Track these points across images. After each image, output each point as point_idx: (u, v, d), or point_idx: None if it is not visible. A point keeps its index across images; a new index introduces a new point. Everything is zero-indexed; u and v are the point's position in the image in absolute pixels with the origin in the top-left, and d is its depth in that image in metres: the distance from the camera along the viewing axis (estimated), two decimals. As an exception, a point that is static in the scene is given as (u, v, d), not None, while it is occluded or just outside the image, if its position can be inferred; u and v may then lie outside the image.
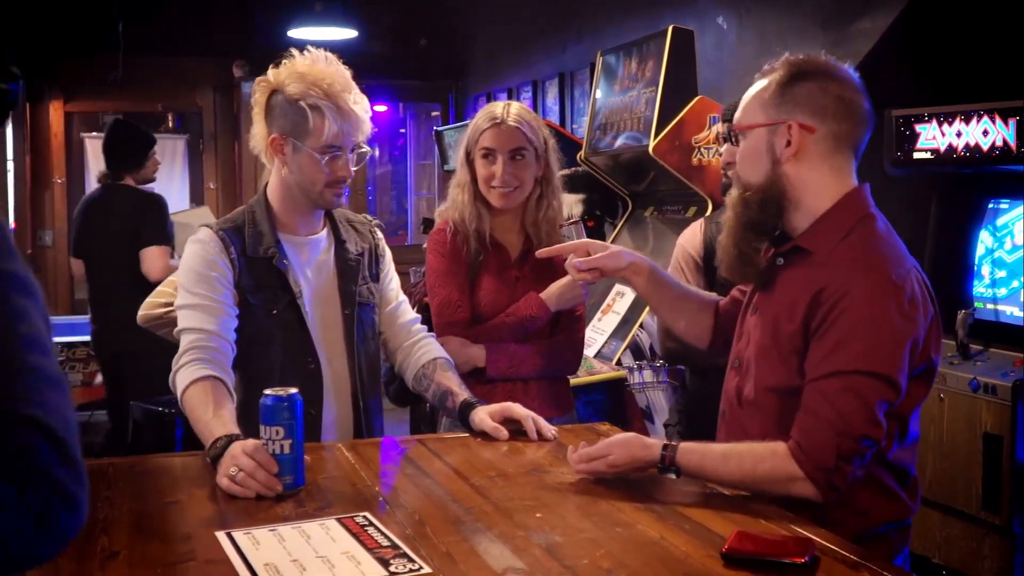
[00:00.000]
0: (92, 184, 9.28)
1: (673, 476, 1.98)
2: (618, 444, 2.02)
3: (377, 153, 11.29)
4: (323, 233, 2.57)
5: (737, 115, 2.10)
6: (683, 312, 2.44)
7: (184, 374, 2.26)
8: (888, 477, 2.00)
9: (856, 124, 2.03)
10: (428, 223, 6.16)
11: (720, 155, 4.39)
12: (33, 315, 1.00)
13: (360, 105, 2.43)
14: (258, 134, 2.47)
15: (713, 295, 2.49)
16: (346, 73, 2.44)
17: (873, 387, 1.86)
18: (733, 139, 2.13)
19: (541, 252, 2.57)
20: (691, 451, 1.97)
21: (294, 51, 2.46)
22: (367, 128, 2.46)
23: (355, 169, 2.47)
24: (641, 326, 4.32)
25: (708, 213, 4.20)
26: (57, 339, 6.48)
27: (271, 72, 2.44)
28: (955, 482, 3.53)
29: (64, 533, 0.98)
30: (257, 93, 2.46)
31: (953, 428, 3.54)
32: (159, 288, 3.40)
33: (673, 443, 1.99)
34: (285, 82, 2.40)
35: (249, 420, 2.14)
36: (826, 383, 1.88)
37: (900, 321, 1.88)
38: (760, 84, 2.07)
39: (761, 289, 2.13)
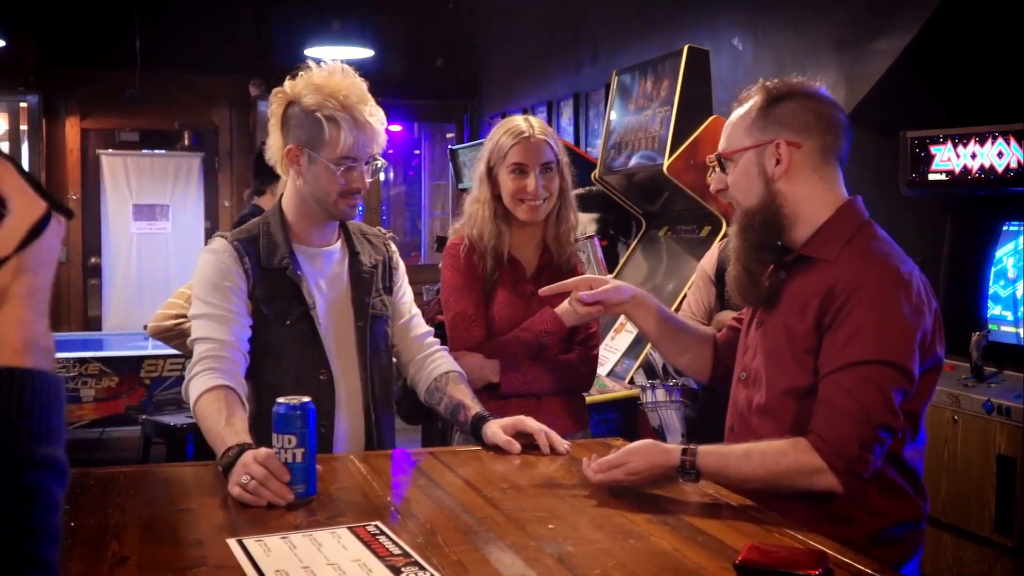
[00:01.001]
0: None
1: (693, 480, 1.99)
2: (637, 451, 2.02)
3: (392, 176, 11.33)
4: (337, 245, 2.58)
5: (722, 144, 2.17)
6: (684, 347, 2.48)
7: (197, 383, 2.26)
8: (900, 477, 2.04)
9: (838, 136, 2.11)
10: (441, 241, 6.17)
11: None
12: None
13: (376, 117, 2.43)
14: (274, 145, 2.48)
15: (710, 329, 2.57)
16: (362, 85, 2.44)
17: (889, 376, 1.92)
18: (722, 167, 2.18)
19: (544, 290, 2.57)
20: (711, 453, 1.99)
21: (311, 63, 2.48)
22: (383, 140, 2.47)
23: (370, 181, 2.48)
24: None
25: (722, 232, 4.20)
26: (69, 354, 6.53)
27: (288, 83, 2.45)
28: (968, 504, 3.51)
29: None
30: (274, 104, 2.47)
31: (967, 450, 3.52)
32: (169, 300, 3.42)
33: (692, 447, 2.00)
34: (302, 93, 2.41)
35: (261, 430, 2.14)
36: (842, 375, 1.93)
37: (910, 313, 1.95)
38: (740, 111, 2.15)
39: (766, 305, 2.16)
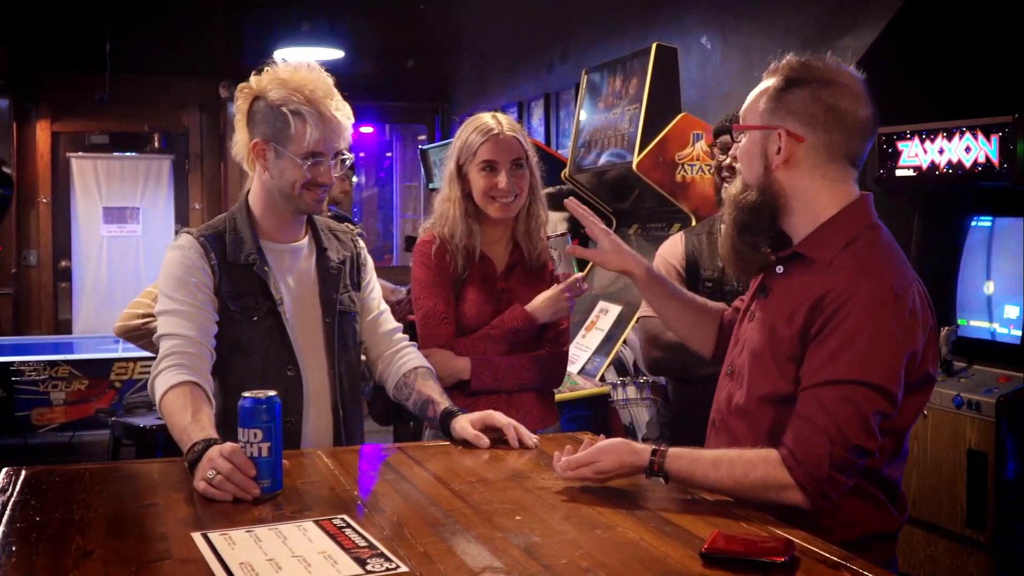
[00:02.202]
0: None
1: (662, 482, 1.96)
2: (606, 450, 1.99)
3: (364, 179, 11.30)
4: (304, 241, 2.56)
5: (742, 110, 2.08)
6: (689, 316, 2.41)
7: (163, 379, 2.24)
8: (877, 489, 1.99)
9: (849, 134, 1.97)
10: (410, 241, 6.15)
11: (704, 172, 4.42)
12: None
13: (342, 112, 2.42)
14: (240, 140, 2.47)
15: (720, 305, 2.45)
16: (328, 80, 2.43)
17: (869, 398, 1.84)
18: (734, 137, 2.13)
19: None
20: (680, 456, 1.95)
21: (276, 59, 2.47)
22: (349, 135, 2.46)
23: (336, 176, 2.46)
24: (625, 343, 4.32)
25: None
26: (40, 357, 6.48)
27: (253, 79, 2.44)
28: (939, 499, 3.52)
29: None
30: (240, 99, 2.46)
31: (937, 445, 3.53)
32: (136, 299, 3.38)
33: (662, 448, 1.96)
34: (267, 88, 2.40)
35: (228, 427, 2.12)
36: (823, 391, 1.86)
37: (899, 333, 1.87)
38: (763, 85, 2.04)
39: (760, 295, 2.11)
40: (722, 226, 2.18)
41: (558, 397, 3.32)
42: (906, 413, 1.94)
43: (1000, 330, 3.64)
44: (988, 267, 3.73)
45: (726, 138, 3.00)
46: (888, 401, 1.86)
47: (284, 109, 2.36)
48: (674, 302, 2.41)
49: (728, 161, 2.96)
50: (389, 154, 11.36)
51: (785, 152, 1.97)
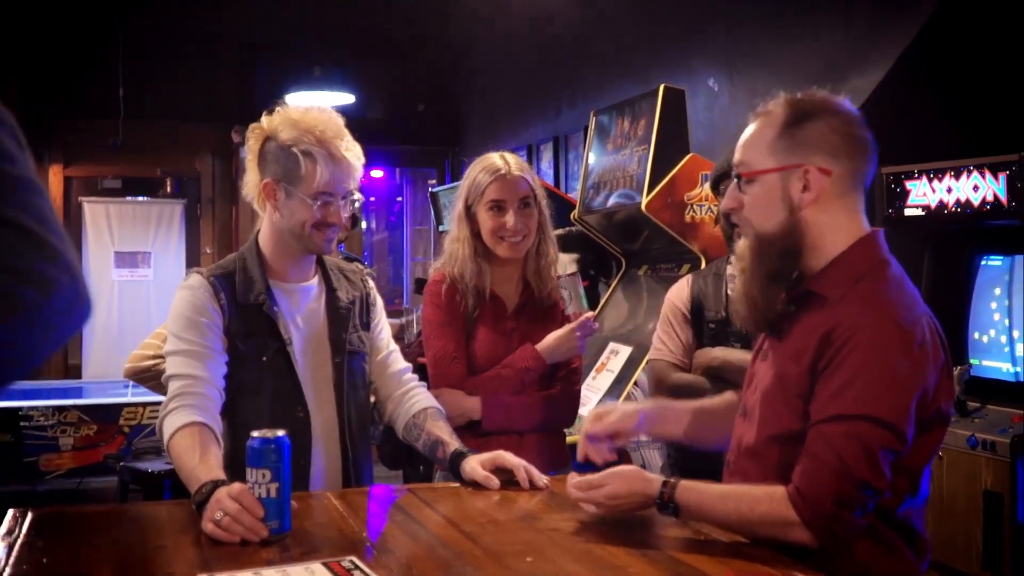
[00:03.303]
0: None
1: (671, 515, 1.94)
2: (618, 475, 1.99)
3: (375, 224, 11.34)
4: (314, 280, 2.56)
5: (739, 158, 2.02)
6: (713, 425, 2.31)
7: (171, 420, 2.23)
8: (892, 533, 1.93)
9: (867, 161, 1.97)
10: (420, 283, 6.16)
11: (712, 212, 4.41)
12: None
13: (352, 152, 2.43)
14: (251, 180, 2.48)
15: (728, 397, 2.35)
16: (339, 120, 2.45)
17: (877, 434, 1.81)
18: (739, 185, 2.03)
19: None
20: (690, 489, 1.93)
21: (287, 100, 2.48)
22: (359, 175, 2.46)
23: (346, 216, 2.47)
24: (635, 384, 4.30)
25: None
26: (49, 402, 6.46)
27: (264, 119, 2.46)
28: (955, 540, 3.48)
29: (49, 315, 1.07)
30: (251, 140, 2.47)
31: (952, 486, 3.50)
32: (146, 340, 3.37)
33: (673, 480, 1.95)
34: (278, 128, 2.41)
35: (237, 468, 2.10)
36: (829, 427, 1.83)
37: (908, 368, 1.83)
38: (760, 124, 1.99)
39: (773, 335, 2.06)
40: (729, 273, 2.12)
41: (569, 440, 3.30)
42: (920, 451, 1.90)
43: (1013, 369, 3.61)
44: (1000, 306, 3.71)
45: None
46: (896, 437, 1.82)
47: (295, 149, 2.37)
48: (694, 420, 2.33)
49: (722, 209, 2.93)
50: (400, 198, 11.40)
51: (815, 189, 1.92)
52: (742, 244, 2.05)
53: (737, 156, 2.03)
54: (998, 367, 3.68)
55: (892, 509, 1.91)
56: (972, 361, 3.74)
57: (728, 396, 2.36)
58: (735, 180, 2.03)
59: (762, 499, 1.87)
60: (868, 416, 1.81)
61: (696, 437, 2.35)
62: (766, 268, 1.99)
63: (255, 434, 1.95)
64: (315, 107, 2.46)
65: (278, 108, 2.47)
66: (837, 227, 1.96)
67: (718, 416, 2.29)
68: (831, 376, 1.85)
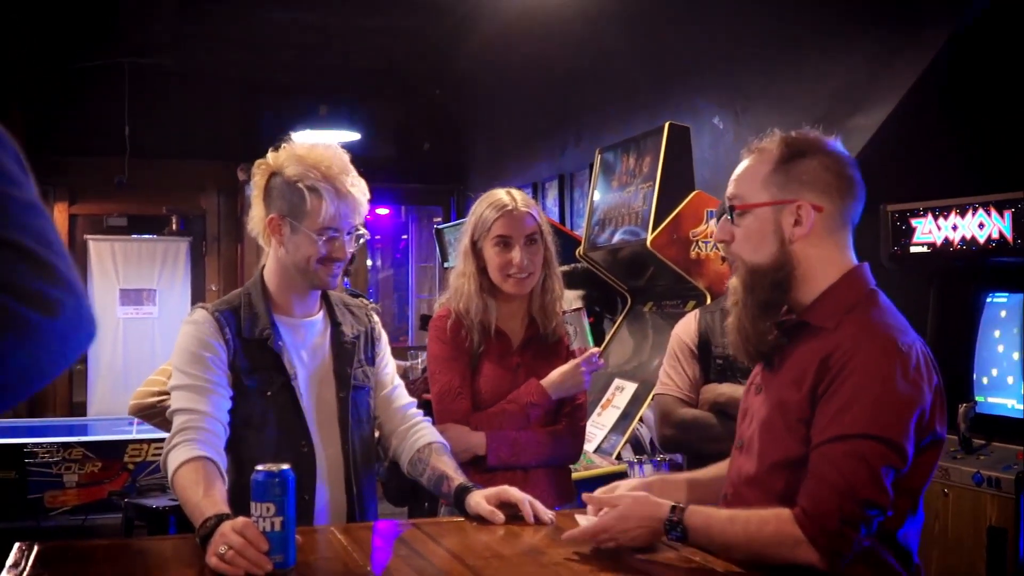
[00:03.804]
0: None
1: (680, 538, 1.95)
2: (629, 497, 2.02)
3: (380, 262, 11.36)
4: (319, 315, 2.57)
5: (733, 191, 2.08)
6: (712, 490, 2.31)
7: (176, 455, 2.23)
8: (890, 555, 1.97)
9: (856, 199, 2.05)
10: (425, 320, 6.15)
11: (718, 248, 4.42)
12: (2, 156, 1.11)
13: (357, 188, 2.44)
14: (256, 215, 2.49)
15: (719, 467, 2.36)
16: (344, 156, 2.46)
17: (878, 452, 1.85)
18: (731, 217, 2.08)
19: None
20: (698, 513, 1.96)
21: (293, 136, 2.50)
22: (364, 210, 2.48)
23: (352, 251, 2.48)
24: (641, 420, 4.29)
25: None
26: (54, 439, 6.45)
27: (270, 155, 2.47)
28: (960, 576, 3.46)
29: (52, 336, 1.07)
30: (256, 175, 2.48)
31: (958, 522, 3.48)
32: (151, 377, 3.37)
33: (681, 505, 1.97)
34: (284, 164, 2.42)
35: (241, 503, 2.09)
36: (831, 447, 1.87)
37: (906, 388, 1.88)
38: (754, 160, 2.06)
39: (766, 368, 2.12)
40: (729, 310, 2.15)
41: (574, 476, 3.29)
42: (919, 472, 1.94)
43: (1018, 406, 3.60)
44: (1005, 343, 3.70)
45: None
46: (897, 455, 1.86)
47: (300, 185, 2.39)
48: (685, 488, 2.34)
49: (715, 240, 2.94)
50: (405, 236, 11.43)
51: (806, 224, 2.00)
52: (734, 279, 2.11)
53: (731, 190, 2.09)
54: (1004, 404, 3.66)
55: (893, 531, 1.95)
56: (978, 398, 3.73)
57: (717, 467, 2.38)
58: (727, 213, 2.09)
59: (769, 520, 1.90)
60: (869, 435, 1.85)
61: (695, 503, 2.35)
62: (757, 299, 2.05)
63: (259, 468, 1.94)
64: (321, 143, 2.48)
65: (284, 144, 2.48)
66: (827, 261, 2.03)
67: (711, 487, 2.31)
68: (831, 399, 1.90)
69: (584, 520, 2.09)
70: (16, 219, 1.09)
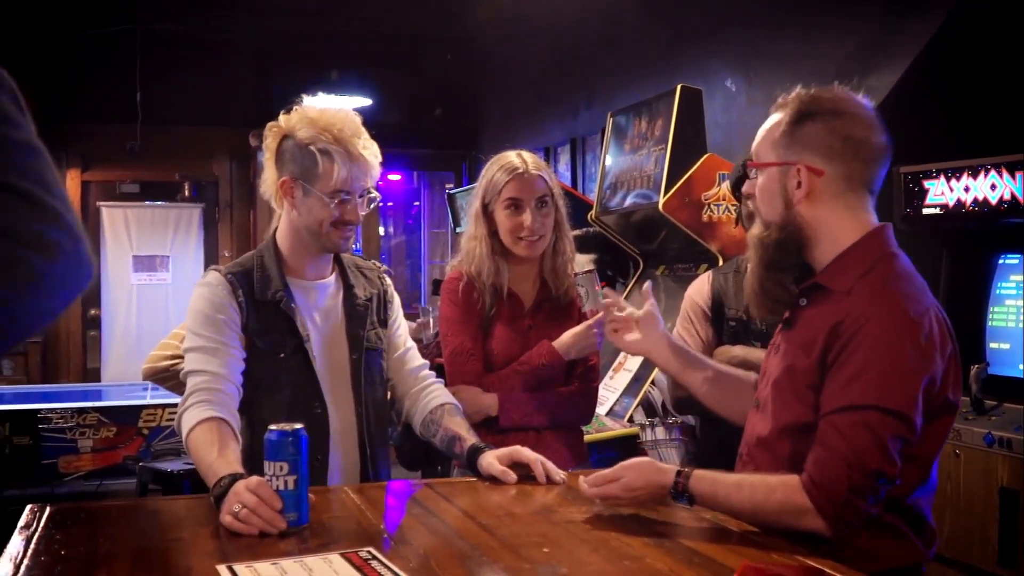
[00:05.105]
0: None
1: (686, 504, 1.97)
2: (632, 467, 2.02)
3: (392, 228, 11.35)
4: (332, 278, 2.58)
5: (752, 148, 2.10)
6: (724, 388, 2.38)
7: (190, 415, 2.25)
8: (899, 519, 1.97)
9: (867, 162, 2.00)
10: (438, 284, 6.16)
11: (730, 212, 4.42)
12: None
13: (369, 151, 2.44)
14: (269, 178, 2.50)
15: (751, 375, 2.40)
16: (356, 119, 2.46)
17: (886, 423, 1.84)
18: (745, 173, 2.14)
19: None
20: (704, 478, 1.96)
21: (305, 98, 2.50)
22: (376, 173, 2.48)
23: (363, 214, 2.49)
24: (653, 383, 4.30)
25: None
26: (68, 405, 6.49)
27: (282, 118, 2.47)
28: (971, 538, 3.47)
29: (52, 278, 1.08)
30: (268, 138, 2.49)
31: (969, 483, 3.49)
32: (164, 341, 3.39)
33: (687, 469, 1.98)
34: (296, 127, 2.42)
35: (254, 465, 2.11)
36: (840, 417, 1.87)
37: (916, 358, 1.87)
38: (773, 119, 2.06)
39: (785, 328, 2.11)
40: (748, 267, 2.18)
41: (587, 438, 3.31)
42: (929, 440, 1.93)
43: (1031, 367, 3.60)
44: (1017, 303, 3.70)
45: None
46: (906, 426, 1.85)
47: (312, 148, 2.39)
48: (706, 379, 2.39)
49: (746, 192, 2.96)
50: (417, 202, 11.42)
51: (806, 187, 1.99)
52: (750, 235, 2.13)
53: (752, 146, 2.11)
54: (1016, 365, 3.66)
55: (902, 497, 1.95)
56: (990, 360, 3.72)
57: (749, 375, 2.40)
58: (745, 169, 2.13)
59: (777, 487, 1.90)
60: (877, 406, 1.84)
61: (713, 402, 2.42)
62: (765, 258, 2.06)
63: (273, 427, 1.96)
64: (332, 106, 2.48)
65: (296, 107, 2.48)
66: (841, 223, 2.00)
67: (732, 390, 2.36)
68: (841, 368, 1.89)
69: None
70: (15, 161, 1.09)
